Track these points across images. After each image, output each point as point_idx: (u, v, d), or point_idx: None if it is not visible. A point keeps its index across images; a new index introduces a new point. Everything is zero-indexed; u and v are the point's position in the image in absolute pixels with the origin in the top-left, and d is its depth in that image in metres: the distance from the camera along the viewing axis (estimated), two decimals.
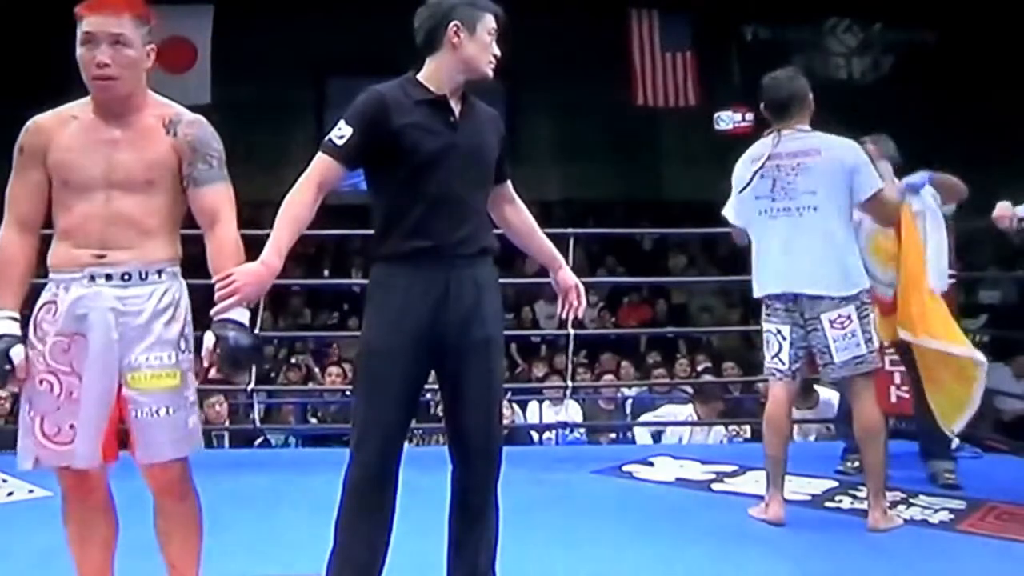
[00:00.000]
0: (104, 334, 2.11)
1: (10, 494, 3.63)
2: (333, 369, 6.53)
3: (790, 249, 3.26)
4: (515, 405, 6.04)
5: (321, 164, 2.25)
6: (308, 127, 11.68)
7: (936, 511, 3.43)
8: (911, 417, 4.16)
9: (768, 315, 3.39)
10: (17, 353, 2.10)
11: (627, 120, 12.01)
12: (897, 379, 4.27)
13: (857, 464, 3.97)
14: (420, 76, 2.33)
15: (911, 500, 3.56)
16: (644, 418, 5.71)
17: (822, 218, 3.23)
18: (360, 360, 2.38)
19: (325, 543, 2.31)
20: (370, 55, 11.07)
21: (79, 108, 2.20)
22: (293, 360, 8.02)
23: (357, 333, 2.43)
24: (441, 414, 5.47)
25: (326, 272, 10.76)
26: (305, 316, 10.31)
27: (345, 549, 2.28)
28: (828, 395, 5.04)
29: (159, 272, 2.18)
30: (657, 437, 5.56)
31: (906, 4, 11.23)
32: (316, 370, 7.53)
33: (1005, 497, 3.57)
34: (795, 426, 5.21)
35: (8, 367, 2.09)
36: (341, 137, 2.24)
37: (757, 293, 3.42)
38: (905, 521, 3.34)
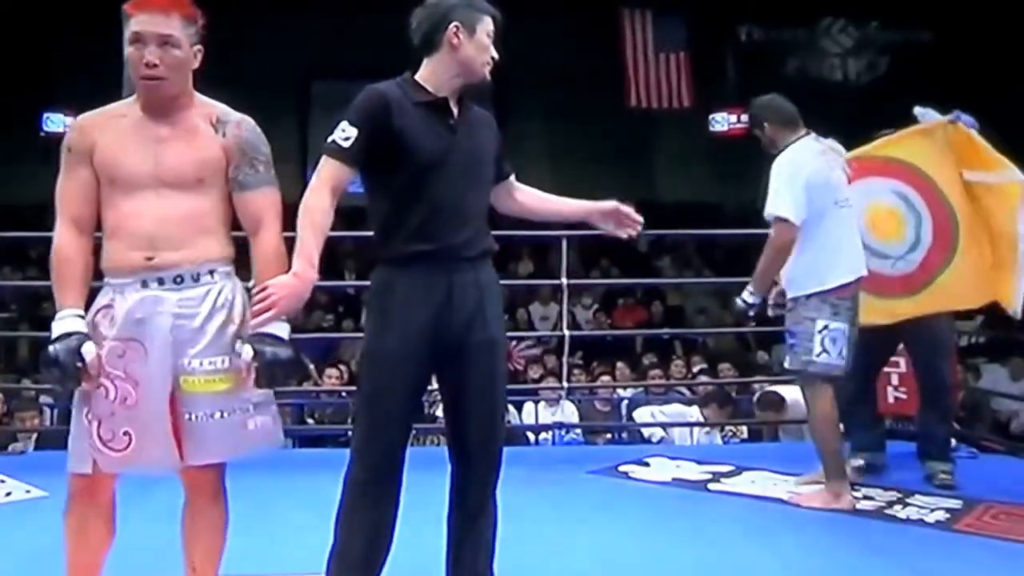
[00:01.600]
0: (162, 340, 2.10)
1: (8, 494, 3.63)
2: (331, 371, 6.52)
3: (855, 238, 3.54)
4: (510, 406, 6.03)
5: (331, 167, 2.22)
6: (292, 129, 11.76)
7: (932, 511, 3.44)
8: (909, 418, 4.18)
9: (836, 313, 3.43)
10: (89, 350, 2.08)
11: (621, 122, 12.03)
12: (895, 380, 4.28)
13: (863, 462, 3.99)
14: (418, 77, 2.32)
15: (907, 500, 3.57)
16: (646, 411, 5.69)
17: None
18: (364, 363, 2.38)
19: (324, 542, 2.31)
20: (354, 59, 11.16)
21: (125, 107, 2.21)
22: None
23: (353, 335, 2.43)
24: (437, 414, 5.49)
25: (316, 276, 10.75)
26: (299, 318, 10.32)
27: (345, 548, 2.29)
28: (794, 396, 5.10)
29: (211, 272, 2.16)
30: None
31: (902, 4, 11.26)
32: (312, 367, 7.51)
33: (1001, 497, 3.59)
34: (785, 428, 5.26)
35: (80, 364, 2.07)
36: (347, 139, 2.21)
37: (830, 284, 3.43)
38: (902, 520, 3.36)
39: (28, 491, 3.60)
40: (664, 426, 5.49)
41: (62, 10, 10.39)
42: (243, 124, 2.22)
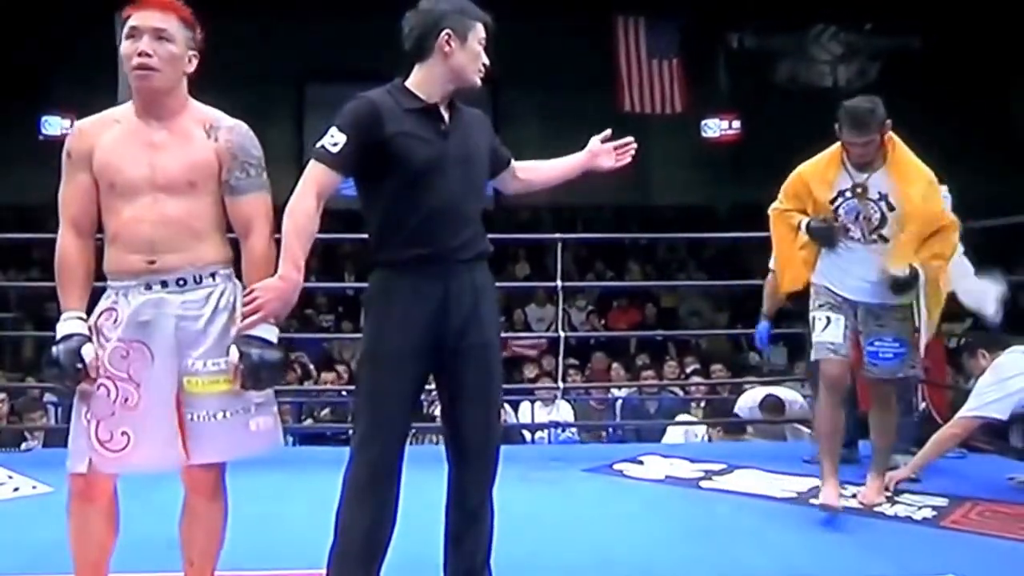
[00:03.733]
0: (165, 341, 2.13)
1: (16, 490, 3.67)
2: (327, 375, 6.56)
3: None
4: (507, 405, 6.09)
5: (317, 172, 2.24)
6: (287, 131, 11.80)
7: (920, 508, 3.49)
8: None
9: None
10: (88, 352, 2.11)
11: (614, 126, 12.10)
12: None
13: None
14: (409, 83, 2.34)
15: (895, 498, 3.61)
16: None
17: None
18: (362, 365, 2.41)
19: (325, 539, 2.34)
20: (348, 62, 11.20)
21: (121, 112, 2.23)
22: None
23: (353, 336, 2.47)
24: (435, 414, 5.53)
25: (312, 278, 10.82)
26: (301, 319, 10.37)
27: (345, 544, 2.31)
28: (790, 397, 5.21)
29: (212, 275, 2.20)
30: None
31: (891, 11, 11.33)
32: (311, 367, 7.57)
33: (987, 495, 3.65)
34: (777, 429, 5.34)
35: (80, 365, 2.10)
36: (335, 144, 2.23)
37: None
38: (890, 517, 3.41)
39: (35, 487, 3.63)
40: (658, 426, 5.57)
41: (60, 13, 10.42)
42: (235, 129, 2.24)
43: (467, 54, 2.31)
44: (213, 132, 2.21)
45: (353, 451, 2.33)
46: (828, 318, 3.45)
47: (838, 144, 3.41)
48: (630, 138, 2.66)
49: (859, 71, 12.21)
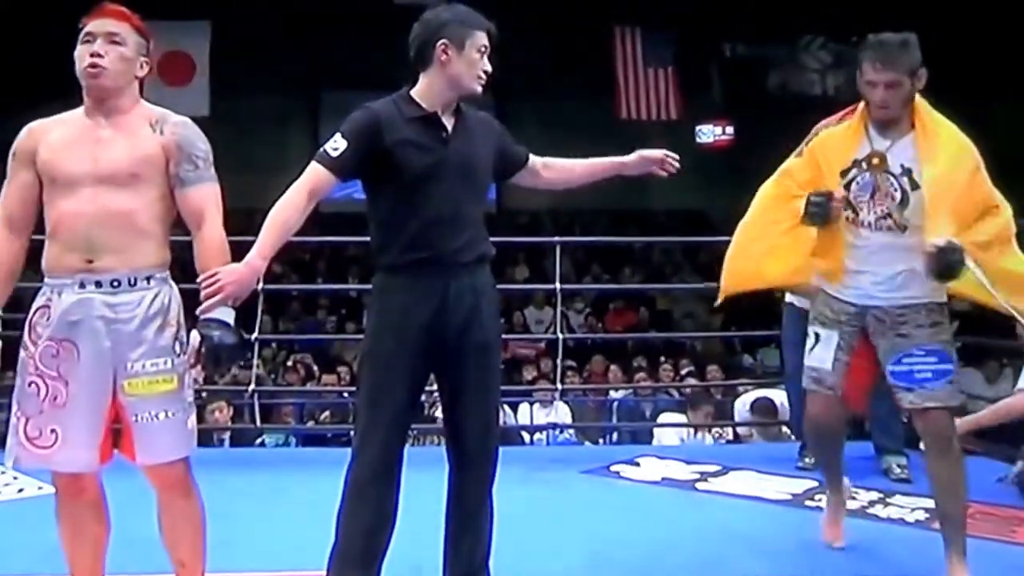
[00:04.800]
0: (94, 342, 2.15)
1: (20, 491, 3.68)
2: (328, 377, 6.59)
3: None
4: (506, 407, 6.12)
5: (313, 172, 2.30)
6: (303, 138, 11.88)
7: (912, 510, 3.51)
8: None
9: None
10: None
11: (612, 132, 12.17)
12: None
13: (812, 460, 4.08)
14: (413, 92, 2.38)
15: (888, 500, 3.64)
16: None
17: None
18: (363, 364, 2.45)
19: (326, 540, 2.36)
20: (362, 69, 11.21)
21: (70, 114, 2.28)
22: (290, 362, 8.13)
23: (354, 336, 2.51)
24: (436, 415, 5.55)
25: (320, 280, 10.87)
26: (303, 320, 10.43)
27: (345, 544, 2.34)
28: (782, 398, 5.26)
29: (148, 278, 2.21)
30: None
31: (879, 22, 11.42)
32: (315, 368, 7.61)
33: (978, 498, 3.58)
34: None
35: None
36: (336, 149, 2.29)
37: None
38: (883, 520, 3.44)
39: (40, 487, 3.59)
40: (654, 427, 5.62)
41: (54, 15, 10.41)
42: (181, 124, 2.27)
43: (464, 62, 2.34)
44: (158, 126, 2.24)
45: (353, 450, 2.37)
46: (817, 335, 2.78)
47: (863, 104, 2.71)
48: (675, 154, 2.69)
49: (847, 80, 12.31)
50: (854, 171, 2.68)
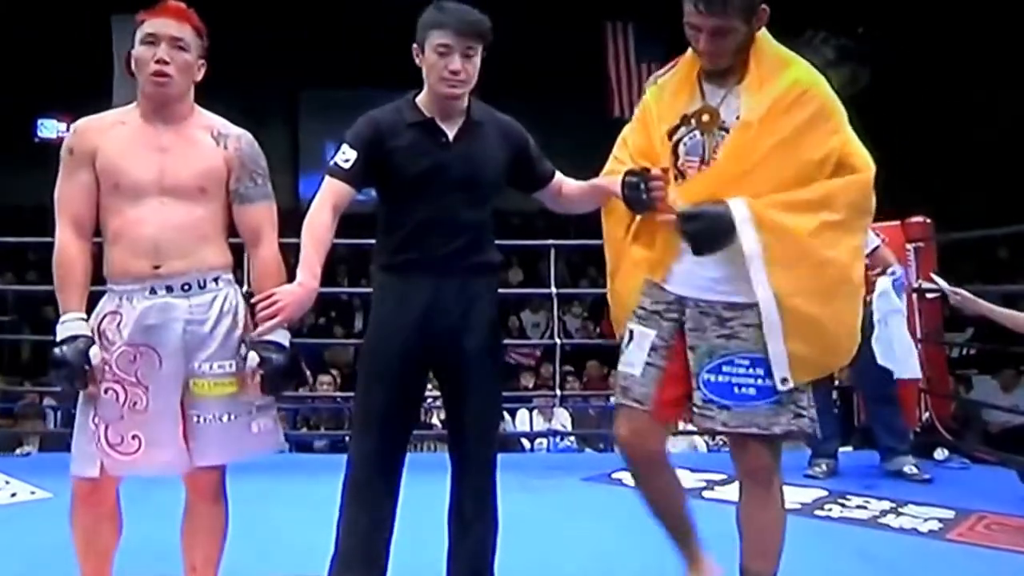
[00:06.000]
0: (175, 346, 2.14)
1: (13, 495, 3.68)
2: (324, 377, 6.52)
3: None
4: (505, 414, 6.06)
5: (332, 187, 2.29)
6: (282, 136, 11.86)
7: (925, 520, 3.47)
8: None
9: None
10: (95, 354, 2.11)
11: (605, 131, 12.11)
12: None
13: (824, 467, 4.20)
14: (418, 97, 2.37)
15: (900, 509, 3.60)
16: None
17: None
18: (360, 362, 2.47)
19: (323, 545, 2.34)
20: (341, 69, 11.21)
21: (124, 114, 2.24)
22: None
23: (345, 341, 2.47)
24: (432, 422, 5.48)
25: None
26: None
27: (345, 549, 2.33)
28: None
29: (216, 279, 2.21)
30: None
31: (883, 17, 11.37)
32: (308, 373, 7.53)
33: (993, 507, 3.62)
34: None
35: (87, 367, 2.09)
36: (347, 161, 2.29)
37: None
38: (895, 530, 3.39)
39: (33, 492, 3.65)
40: None
41: (55, 17, 10.42)
42: (243, 138, 2.29)
43: (426, 65, 2.30)
44: (222, 140, 2.25)
45: (350, 454, 2.37)
46: (631, 333, 2.21)
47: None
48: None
49: (851, 76, 12.25)
50: (682, 130, 2.15)
